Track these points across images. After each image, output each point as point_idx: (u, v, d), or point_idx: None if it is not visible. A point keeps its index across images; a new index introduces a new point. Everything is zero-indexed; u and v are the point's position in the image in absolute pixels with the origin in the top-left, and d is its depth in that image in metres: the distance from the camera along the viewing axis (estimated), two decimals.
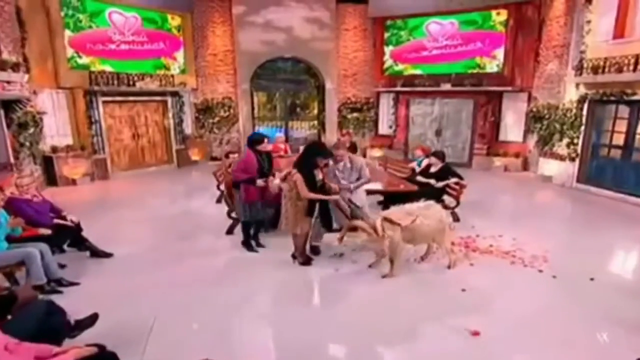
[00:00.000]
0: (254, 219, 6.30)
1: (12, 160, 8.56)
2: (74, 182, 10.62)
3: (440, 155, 7.91)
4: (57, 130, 10.79)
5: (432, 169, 7.85)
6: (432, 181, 7.70)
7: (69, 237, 5.96)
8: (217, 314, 4.62)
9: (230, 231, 7.09)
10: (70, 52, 11.06)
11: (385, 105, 14.82)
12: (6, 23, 9.39)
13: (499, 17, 12.78)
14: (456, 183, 7.69)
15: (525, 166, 12.58)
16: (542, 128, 11.42)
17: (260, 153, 6.13)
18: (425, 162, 8.24)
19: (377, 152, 14.35)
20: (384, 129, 15.00)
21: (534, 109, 11.81)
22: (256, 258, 6.17)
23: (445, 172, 7.75)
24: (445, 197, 7.62)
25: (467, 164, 13.34)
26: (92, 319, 4.24)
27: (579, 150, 10.35)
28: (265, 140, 6.18)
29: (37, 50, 10.36)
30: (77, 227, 6.15)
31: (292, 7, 13.95)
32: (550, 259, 6.00)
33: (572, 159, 10.47)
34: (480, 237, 6.87)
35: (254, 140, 6.16)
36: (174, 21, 13.33)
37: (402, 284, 5.33)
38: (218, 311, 4.68)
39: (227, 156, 8.53)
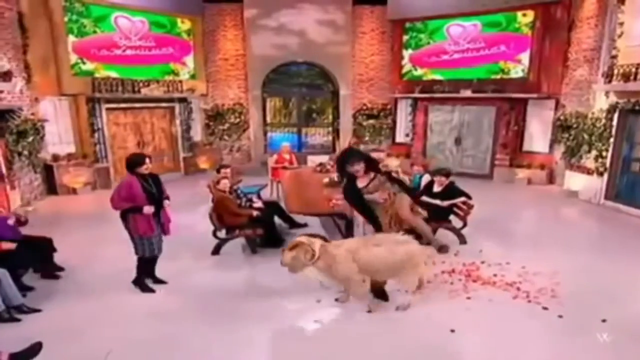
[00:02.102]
0: (151, 255, 5.34)
1: (3, 170, 8.31)
2: (74, 191, 10.37)
3: (445, 172, 7.22)
4: (59, 138, 10.57)
5: (436, 188, 7.16)
6: (438, 201, 7.04)
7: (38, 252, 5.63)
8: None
9: (216, 251, 6.62)
10: (73, 58, 10.84)
11: (403, 112, 14.11)
12: (6, 29, 9.25)
13: (525, 18, 11.91)
14: (463, 202, 7.03)
15: (551, 179, 11.66)
16: (570, 138, 10.51)
17: (144, 177, 5.16)
18: (425, 179, 7.55)
19: (393, 162, 13.65)
20: (401, 136, 14.29)
21: (561, 118, 10.90)
22: (234, 284, 5.65)
23: (452, 190, 7.06)
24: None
25: (488, 176, 12.49)
26: (34, 350, 3.87)
27: (607, 164, 9.44)
28: (147, 160, 5.20)
29: (40, 57, 10.16)
30: (48, 243, 5.83)
31: (305, 9, 13.45)
32: (560, 293, 5.26)
33: (600, 173, 9.56)
34: (485, 265, 6.16)
35: (133, 162, 5.14)
36: (183, 25, 13.03)
37: (383, 319, 4.72)
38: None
39: (218, 171, 8.02)
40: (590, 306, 4.93)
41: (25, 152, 9.20)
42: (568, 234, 7.82)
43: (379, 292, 5.08)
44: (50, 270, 5.81)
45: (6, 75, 7.87)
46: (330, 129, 14.95)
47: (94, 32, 11.17)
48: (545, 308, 4.91)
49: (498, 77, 12.38)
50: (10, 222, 5.40)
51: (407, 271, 4.68)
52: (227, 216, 6.66)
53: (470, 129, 12.76)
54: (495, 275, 5.79)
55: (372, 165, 4.97)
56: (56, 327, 4.58)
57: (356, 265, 4.54)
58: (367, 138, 14.16)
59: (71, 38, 10.76)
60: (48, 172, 10.33)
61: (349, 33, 13.78)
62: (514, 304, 5.07)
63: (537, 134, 11.97)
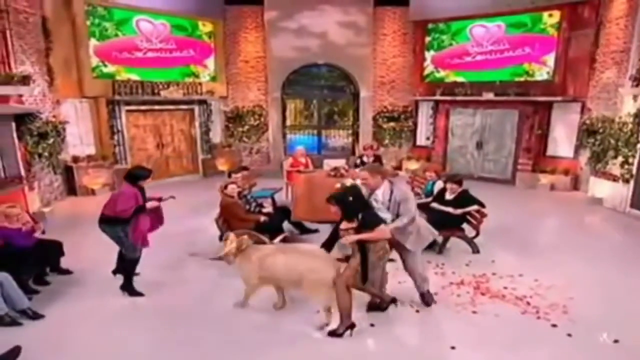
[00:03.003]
0: (140, 254, 5.45)
1: (22, 172, 8.50)
2: (93, 192, 10.55)
3: (457, 180, 7.03)
4: (80, 139, 10.79)
5: (448, 195, 6.97)
6: (450, 209, 6.86)
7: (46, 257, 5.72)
8: None
9: (221, 257, 6.57)
10: (95, 61, 11.03)
11: (425, 115, 13.86)
12: (30, 34, 9.45)
13: (551, 19, 11.54)
14: (477, 211, 6.83)
15: (576, 185, 11.26)
16: (595, 143, 10.11)
17: (142, 190, 5.38)
18: (437, 186, 7.36)
19: (413, 165, 13.45)
20: (422, 139, 14.04)
21: (587, 122, 10.50)
22: (231, 290, 5.57)
23: (465, 198, 6.87)
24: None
25: (510, 181, 12.16)
26: (14, 353, 3.91)
27: (634, 171, 9.02)
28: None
29: (62, 60, 10.38)
30: (58, 247, 5.92)
31: (327, 11, 13.36)
32: (572, 309, 5.01)
33: (626, 180, 9.16)
34: (497, 276, 5.95)
35: (139, 176, 5.34)
36: (205, 28, 13.12)
37: (382, 333, 4.59)
38: None
39: (229, 175, 7.99)
40: (603, 324, 4.65)
41: (46, 154, 9.38)
42: (588, 244, 7.48)
43: (373, 306, 4.96)
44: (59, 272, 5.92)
45: (25, 80, 8.01)
46: (350, 131, 14.81)
47: (116, 35, 11.35)
48: (554, 325, 4.69)
49: (522, 79, 12.02)
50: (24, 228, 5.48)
51: (308, 285, 4.53)
52: (234, 221, 6.63)
53: (492, 133, 12.43)
54: (505, 288, 5.58)
55: (347, 213, 4.45)
56: (53, 333, 4.65)
57: (259, 271, 4.77)
58: (387, 141, 13.96)
59: (93, 41, 10.96)
60: (68, 173, 10.54)
61: (370, 35, 13.63)
62: (522, 320, 4.85)
63: (562, 139, 11.57)
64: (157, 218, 5.63)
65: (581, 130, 10.86)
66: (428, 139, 13.77)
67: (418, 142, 14.18)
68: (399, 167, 13.81)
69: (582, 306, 5.10)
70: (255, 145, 14.14)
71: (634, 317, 4.94)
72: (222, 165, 13.25)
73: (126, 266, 5.49)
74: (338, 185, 7.72)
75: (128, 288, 5.48)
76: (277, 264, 4.68)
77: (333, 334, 4.46)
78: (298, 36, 13.38)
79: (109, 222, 5.21)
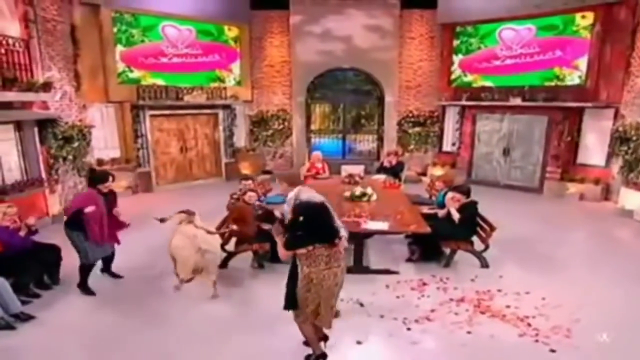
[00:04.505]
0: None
1: (43, 175, 8.82)
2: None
3: (461, 190, 6.83)
4: (105, 143, 11.10)
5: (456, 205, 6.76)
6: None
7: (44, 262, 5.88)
8: None
9: (223, 265, 6.57)
10: (121, 66, 11.33)
11: (451, 120, 13.51)
12: (58, 41, 9.80)
13: (584, 21, 11.02)
14: (486, 223, 6.61)
15: (607, 195, 10.71)
16: (629, 151, 9.59)
17: (104, 194, 5.73)
18: (449, 197, 7.14)
19: (438, 171, 13.15)
20: (448, 145, 13.71)
21: (620, 129, 9.97)
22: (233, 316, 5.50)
23: (467, 210, 6.66)
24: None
25: (537, 189, 11.68)
26: None
27: None
28: (110, 178, 5.87)
29: (89, 66, 10.70)
30: (57, 252, 6.07)
31: (352, 15, 13.23)
32: (577, 333, 4.73)
33: None
34: (502, 293, 5.70)
35: (96, 178, 5.85)
36: (230, 32, 13.26)
37: (364, 348, 4.48)
38: None
39: (240, 182, 8.04)
40: (607, 352, 4.40)
41: (70, 157, 9.72)
42: (610, 260, 7.04)
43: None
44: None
45: (45, 87, 8.30)
46: (376, 136, 14.63)
47: (142, 41, 11.62)
48: (552, 350, 4.43)
49: (552, 84, 11.54)
50: (22, 233, 5.63)
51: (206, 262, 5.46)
52: (240, 224, 6.63)
53: (519, 139, 11.99)
54: (508, 306, 5.33)
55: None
56: (47, 337, 4.78)
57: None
58: (412, 146, 13.71)
59: (119, 47, 11.25)
60: None
61: (397, 38, 13.40)
62: (518, 342, 4.61)
63: (593, 146, 11.01)
64: (117, 222, 6.07)
65: (613, 138, 10.32)
66: (454, 144, 13.42)
67: (444, 148, 13.84)
68: (423, 173, 13.52)
69: (588, 330, 4.78)
70: (279, 150, 14.17)
71: None
72: (245, 169, 13.34)
73: (80, 269, 5.74)
74: (347, 194, 7.70)
75: (82, 286, 5.80)
76: (176, 248, 5.44)
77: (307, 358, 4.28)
78: (323, 40, 13.32)
79: (67, 225, 5.59)
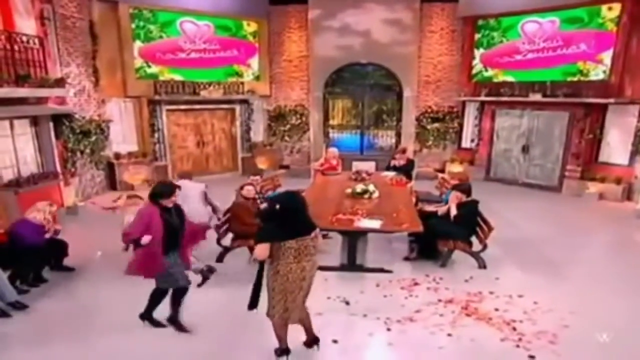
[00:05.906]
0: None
1: (58, 168, 9.14)
2: (132, 187, 11.10)
3: (462, 189, 6.69)
4: (123, 137, 11.39)
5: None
6: (454, 211, 6.59)
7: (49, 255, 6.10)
8: None
9: (219, 259, 6.66)
10: (139, 62, 11.57)
11: (471, 116, 13.21)
12: (77, 37, 10.12)
13: (611, 13, 10.55)
14: (484, 222, 6.47)
15: (629, 195, 10.26)
16: None
17: (168, 209, 4.45)
18: (451, 196, 7.00)
19: (457, 167, 12.90)
20: (467, 141, 13.41)
21: None
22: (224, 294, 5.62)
23: (465, 209, 6.51)
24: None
25: (556, 188, 11.32)
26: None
27: None
28: (177, 191, 4.59)
29: (107, 61, 11.01)
30: (63, 247, 6.29)
31: (371, 9, 13.05)
32: (563, 339, 4.56)
33: None
34: (493, 296, 5.57)
35: (160, 193, 4.42)
36: (249, 27, 13.34)
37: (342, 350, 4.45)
38: None
39: (248, 177, 8.13)
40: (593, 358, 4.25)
41: (87, 151, 10.05)
42: (619, 267, 6.71)
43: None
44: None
45: (59, 83, 8.58)
46: (393, 131, 14.44)
47: (160, 37, 11.83)
48: (531, 357, 4.28)
49: (575, 79, 11.11)
50: (47, 235, 5.88)
51: None
52: (235, 224, 6.71)
53: (539, 136, 11.64)
54: (496, 309, 5.20)
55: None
56: (41, 325, 4.95)
57: None
58: (430, 142, 13.50)
59: (137, 43, 11.50)
60: (110, 169, 11.18)
61: (416, 32, 13.15)
62: (498, 347, 4.47)
63: (616, 144, 10.54)
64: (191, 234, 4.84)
65: (637, 136, 9.90)
66: (472, 141, 13.13)
67: (463, 144, 13.54)
68: (441, 170, 13.28)
69: (575, 336, 4.62)
70: (297, 145, 14.19)
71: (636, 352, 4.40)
72: (262, 163, 13.44)
73: (152, 294, 4.76)
74: (348, 191, 7.65)
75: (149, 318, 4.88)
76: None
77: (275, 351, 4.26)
78: (341, 35, 13.21)
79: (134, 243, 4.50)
